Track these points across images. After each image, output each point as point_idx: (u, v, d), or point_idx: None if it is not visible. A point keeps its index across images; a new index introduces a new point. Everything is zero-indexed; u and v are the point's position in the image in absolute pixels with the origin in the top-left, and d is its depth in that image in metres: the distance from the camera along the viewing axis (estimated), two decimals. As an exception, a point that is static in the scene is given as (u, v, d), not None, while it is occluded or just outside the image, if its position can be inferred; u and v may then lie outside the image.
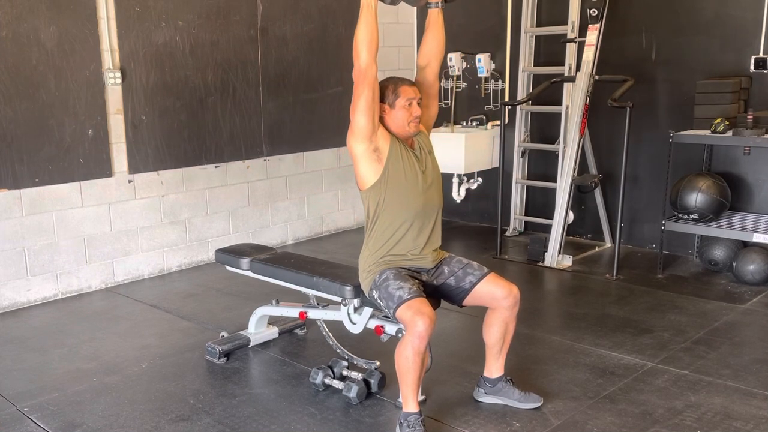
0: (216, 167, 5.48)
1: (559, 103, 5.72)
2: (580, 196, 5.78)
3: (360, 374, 3.30)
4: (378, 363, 3.35)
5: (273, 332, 3.97)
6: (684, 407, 3.13)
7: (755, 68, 4.92)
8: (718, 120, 4.67)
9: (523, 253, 5.60)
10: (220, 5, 5.26)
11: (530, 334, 3.98)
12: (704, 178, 4.85)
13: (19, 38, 4.36)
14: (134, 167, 5.01)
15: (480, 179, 6.48)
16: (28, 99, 4.45)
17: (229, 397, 3.31)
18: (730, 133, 4.65)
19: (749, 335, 3.95)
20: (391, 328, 3.18)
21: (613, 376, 3.45)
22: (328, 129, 6.08)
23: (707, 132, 4.78)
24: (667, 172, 4.88)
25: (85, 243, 4.86)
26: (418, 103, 2.97)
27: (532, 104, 5.94)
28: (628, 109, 4.81)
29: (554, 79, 5.56)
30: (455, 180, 6.48)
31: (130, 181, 5.02)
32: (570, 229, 5.73)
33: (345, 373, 3.34)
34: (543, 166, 6.08)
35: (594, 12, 5.31)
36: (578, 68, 5.39)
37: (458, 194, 6.52)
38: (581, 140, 5.33)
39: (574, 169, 5.31)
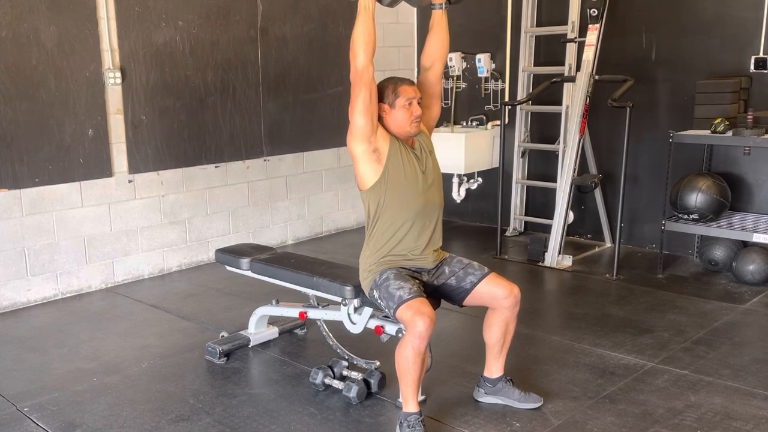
0: (216, 167, 5.48)
1: (559, 103, 5.72)
2: (580, 196, 5.78)
3: (360, 374, 3.30)
4: (378, 363, 3.35)
5: (273, 332, 3.97)
6: (684, 407, 3.13)
7: (755, 68, 4.92)
8: (718, 120, 4.67)
9: (523, 253, 5.60)
10: (220, 5, 5.26)
11: (530, 334, 3.98)
12: (704, 178, 4.85)
13: (19, 38, 4.36)
14: (134, 167, 5.01)
15: (480, 179, 6.48)
16: (28, 99, 4.45)
17: (229, 397, 3.31)
18: (730, 133, 4.65)
19: (749, 335, 3.95)
20: (391, 328, 3.18)
21: (613, 376, 3.45)
22: (328, 129, 6.08)
23: (707, 132, 4.78)
24: (667, 172, 4.88)
25: (85, 243, 4.86)
26: (419, 103, 2.97)
27: (532, 104, 5.94)
28: (628, 109, 4.81)
29: (554, 79, 5.56)
30: (455, 180, 6.48)
31: (130, 181, 5.02)
32: (570, 229, 5.73)
33: (345, 373, 3.34)
34: (543, 166, 6.08)
35: (594, 12, 5.31)
36: (578, 68, 5.39)
37: (458, 194, 6.52)
38: (581, 140, 5.33)
39: (574, 169, 5.31)
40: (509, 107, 5.91)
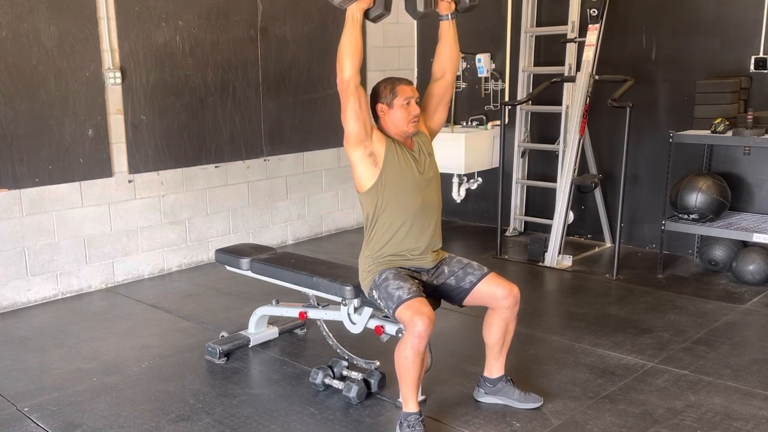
0: (216, 167, 5.48)
1: (559, 103, 5.72)
2: (580, 196, 5.78)
3: (360, 374, 3.30)
4: (378, 363, 3.35)
5: (273, 332, 3.97)
6: (684, 407, 3.13)
7: (755, 68, 4.92)
8: (718, 120, 4.67)
9: (523, 253, 5.60)
10: (220, 5, 5.26)
11: (530, 334, 3.98)
12: (704, 178, 4.84)
13: (19, 38, 4.36)
14: (134, 167, 5.01)
15: (480, 179, 6.48)
16: (28, 99, 4.45)
17: (229, 397, 3.31)
18: (730, 133, 4.65)
19: (749, 335, 3.95)
20: (391, 328, 3.18)
21: (613, 376, 3.45)
22: (328, 129, 6.08)
23: (707, 132, 4.78)
24: (667, 172, 4.88)
25: (85, 243, 4.86)
26: (417, 102, 2.98)
27: (532, 104, 5.94)
28: (628, 109, 4.81)
29: (554, 79, 5.56)
30: (455, 180, 6.48)
31: (130, 181, 5.02)
32: (570, 229, 5.73)
33: (345, 373, 3.34)
34: (543, 166, 6.08)
35: (594, 12, 5.31)
36: (578, 68, 5.39)
37: (458, 194, 6.52)
38: (581, 140, 5.33)
39: (574, 169, 5.31)
40: (509, 107, 5.91)
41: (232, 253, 3.87)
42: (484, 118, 6.41)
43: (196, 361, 3.74)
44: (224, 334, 3.91)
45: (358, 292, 3.21)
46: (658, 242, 5.19)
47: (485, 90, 6.38)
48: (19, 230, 4.55)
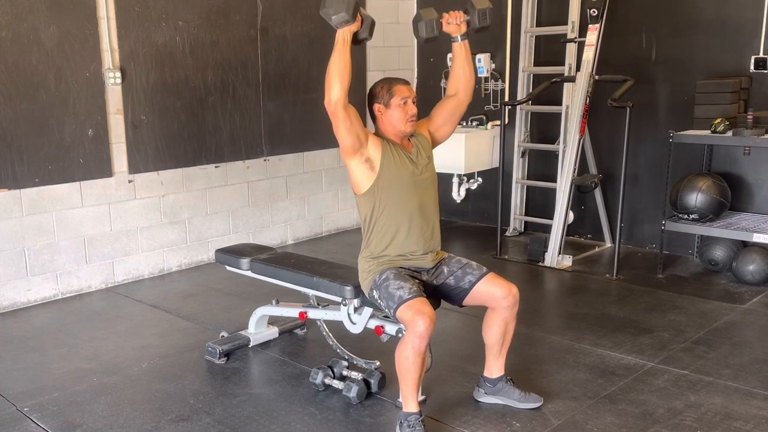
0: (216, 167, 5.48)
1: (559, 103, 5.72)
2: (580, 196, 5.78)
3: (360, 374, 3.30)
4: (378, 363, 3.35)
5: (273, 332, 3.97)
6: (684, 407, 3.13)
7: (755, 68, 4.92)
8: (718, 120, 4.67)
9: (523, 253, 5.60)
10: (220, 5, 5.26)
11: (530, 334, 3.98)
12: (704, 178, 4.84)
13: (19, 38, 4.36)
14: (134, 167, 5.01)
15: (480, 179, 6.48)
16: (28, 99, 4.45)
17: (229, 397, 3.31)
18: (730, 133, 4.65)
19: (749, 335, 3.95)
20: (391, 328, 3.18)
21: (613, 376, 3.45)
22: (328, 129, 5.92)
23: (707, 132, 4.78)
24: (667, 172, 4.88)
25: (85, 243, 4.86)
26: (414, 102, 2.98)
27: (532, 104, 5.94)
28: (628, 109, 4.81)
29: (554, 79, 5.56)
30: (455, 180, 6.48)
31: (130, 181, 5.02)
32: (570, 229, 5.73)
33: (345, 373, 3.34)
34: (543, 166, 6.08)
35: (594, 12, 5.31)
36: (578, 68, 5.39)
37: (458, 194, 6.52)
38: (581, 140, 5.33)
39: (574, 169, 5.31)
40: (509, 107, 5.91)
41: (232, 253, 3.87)
42: (484, 118, 6.41)
43: (196, 361, 3.74)
44: (224, 334, 3.91)
45: (358, 292, 3.21)
46: (658, 242, 5.19)
47: (485, 90, 6.38)
48: (19, 230, 4.55)
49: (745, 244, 4.87)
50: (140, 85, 4.94)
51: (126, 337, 4.10)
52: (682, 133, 4.88)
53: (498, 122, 6.12)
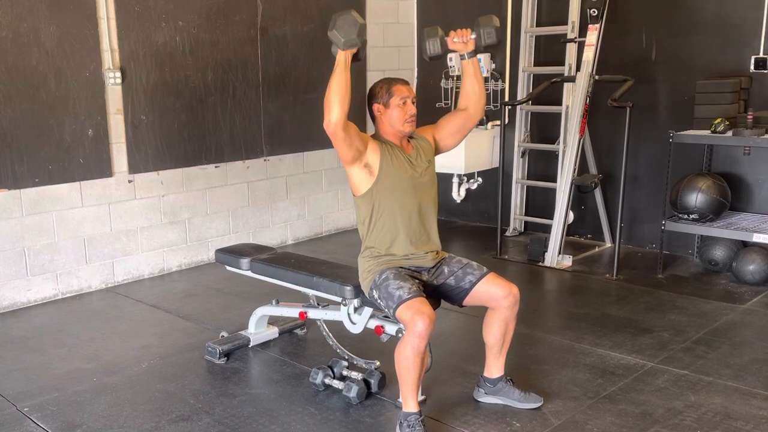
0: (216, 167, 5.48)
1: (559, 103, 5.72)
2: (580, 196, 5.78)
3: (360, 374, 3.30)
4: (378, 363, 3.35)
5: (273, 332, 3.97)
6: (684, 407, 3.13)
7: (755, 68, 4.92)
8: (718, 120, 4.67)
9: (523, 253, 5.60)
10: (220, 5, 5.26)
11: (530, 334, 3.98)
12: (704, 178, 4.84)
13: (19, 38, 4.36)
14: (134, 167, 5.01)
15: (480, 179, 6.48)
16: (28, 99, 4.45)
17: (229, 397, 3.31)
18: (730, 133, 4.65)
19: (749, 335, 3.95)
20: (391, 328, 3.18)
21: (613, 376, 3.45)
22: (328, 129, 6.06)
23: (707, 132, 4.78)
24: (667, 172, 4.88)
25: (85, 243, 4.86)
26: (413, 102, 2.99)
27: (532, 104, 5.94)
28: (628, 109, 4.81)
29: (554, 79, 5.56)
30: (455, 180, 6.48)
31: (130, 181, 5.02)
32: (570, 229, 5.73)
33: (345, 373, 3.34)
34: (543, 166, 6.08)
35: (594, 12, 5.31)
36: (578, 68, 5.39)
37: (458, 194, 6.51)
38: (581, 140, 5.33)
39: (574, 169, 5.31)
40: (509, 107, 5.91)
41: (232, 253, 3.87)
42: (484, 118, 6.39)
43: (196, 361, 3.74)
44: (224, 334, 3.91)
45: (358, 292, 3.21)
46: (658, 242, 5.19)
47: (485, 90, 6.36)
48: (19, 230, 4.55)
49: (745, 244, 4.87)
50: (140, 85, 4.94)
51: (126, 337, 4.10)
52: (682, 133, 4.88)
53: (498, 122, 6.11)
